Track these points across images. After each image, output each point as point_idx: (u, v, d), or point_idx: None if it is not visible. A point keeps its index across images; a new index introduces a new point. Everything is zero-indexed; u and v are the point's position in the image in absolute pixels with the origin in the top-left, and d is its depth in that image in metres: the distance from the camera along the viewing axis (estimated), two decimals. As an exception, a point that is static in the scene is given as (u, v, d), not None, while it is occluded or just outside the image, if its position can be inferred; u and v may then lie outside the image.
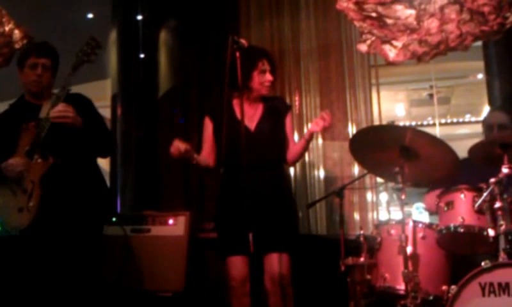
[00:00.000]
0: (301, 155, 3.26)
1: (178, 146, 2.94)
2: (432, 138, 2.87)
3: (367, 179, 4.35)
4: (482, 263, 2.45)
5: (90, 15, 7.17)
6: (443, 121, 9.80)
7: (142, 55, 5.59)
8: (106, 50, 6.08)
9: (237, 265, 3.00)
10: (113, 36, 5.85)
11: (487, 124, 3.42)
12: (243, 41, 2.84)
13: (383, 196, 4.85)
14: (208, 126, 3.19)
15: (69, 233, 2.99)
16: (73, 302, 2.96)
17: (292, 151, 3.19)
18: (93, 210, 3.16)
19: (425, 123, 9.75)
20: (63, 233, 2.98)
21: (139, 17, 5.64)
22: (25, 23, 4.87)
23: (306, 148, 3.20)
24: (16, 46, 4.87)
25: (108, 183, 4.34)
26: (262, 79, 3.09)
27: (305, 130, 4.72)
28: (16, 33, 4.82)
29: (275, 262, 2.95)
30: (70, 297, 2.94)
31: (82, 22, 7.18)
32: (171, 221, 3.91)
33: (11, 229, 3.00)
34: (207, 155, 3.18)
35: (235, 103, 3.07)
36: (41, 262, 2.94)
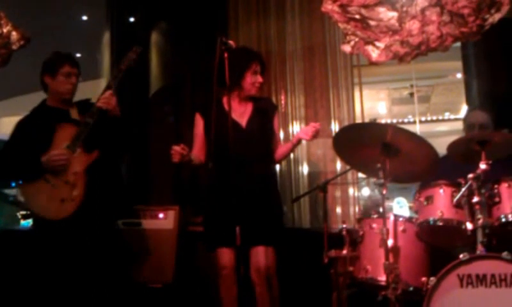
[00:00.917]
0: (286, 156, 3.32)
1: (179, 151, 2.90)
2: (413, 135, 2.83)
3: (350, 174, 4.33)
4: (461, 256, 2.43)
5: (84, 17, 7.13)
6: (423, 119, 9.84)
7: (134, 56, 5.55)
8: (100, 51, 6.04)
9: (226, 254, 2.98)
10: (106, 37, 5.82)
11: (468, 123, 3.39)
12: (231, 42, 2.83)
13: (365, 191, 4.82)
14: (199, 122, 3.18)
15: (105, 222, 3.17)
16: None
17: (278, 152, 3.23)
18: (117, 201, 3.38)
19: (405, 120, 9.77)
20: (101, 223, 3.12)
21: (132, 19, 5.61)
22: (21, 26, 4.82)
23: (292, 150, 3.25)
24: (14, 47, 4.83)
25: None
26: (254, 80, 3.10)
27: (290, 128, 4.71)
28: (14, 35, 4.79)
29: (261, 255, 2.94)
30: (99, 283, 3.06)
31: (77, 24, 7.14)
32: (161, 215, 3.89)
33: (52, 218, 2.98)
34: (198, 151, 3.16)
35: (225, 101, 3.04)
36: (81, 248, 3.01)
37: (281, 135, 4.56)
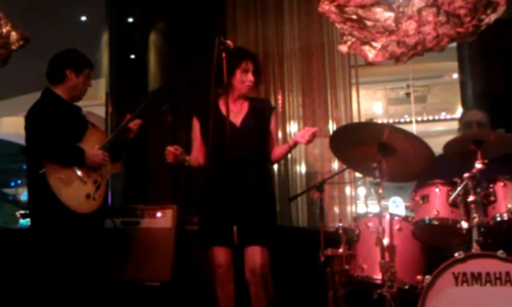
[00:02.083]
0: (282, 158, 3.33)
1: (172, 151, 2.91)
2: (409, 135, 2.83)
3: (346, 174, 4.34)
4: (456, 254, 2.43)
5: (83, 18, 7.13)
6: (419, 118, 9.84)
7: (133, 56, 5.57)
8: (99, 51, 6.04)
9: (221, 253, 2.98)
10: (105, 37, 5.82)
11: (466, 121, 3.36)
12: (229, 42, 2.83)
13: (361, 190, 4.82)
14: (196, 125, 3.18)
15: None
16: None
17: (275, 153, 3.21)
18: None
19: (402, 120, 9.78)
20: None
21: (130, 20, 5.61)
22: (21, 26, 4.82)
23: (288, 153, 3.26)
24: (13, 47, 4.83)
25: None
26: (244, 78, 3.07)
27: (288, 128, 4.71)
28: (13, 35, 4.80)
29: (255, 255, 2.93)
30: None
31: (76, 25, 7.14)
32: (159, 214, 3.89)
33: (74, 209, 3.04)
34: (196, 153, 3.16)
35: (222, 102, 3.04)
36: (90, 245, 3.12)
37: (279, 135, 4.57)
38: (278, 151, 3.21)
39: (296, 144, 3.10)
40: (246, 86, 3.08)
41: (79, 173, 3.09)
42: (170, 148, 2.90)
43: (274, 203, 3.22)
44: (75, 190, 3.05)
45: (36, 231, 3.18)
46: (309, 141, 2.99)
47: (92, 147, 3.16)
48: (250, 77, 3.08)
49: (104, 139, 3.28)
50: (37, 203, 3.13)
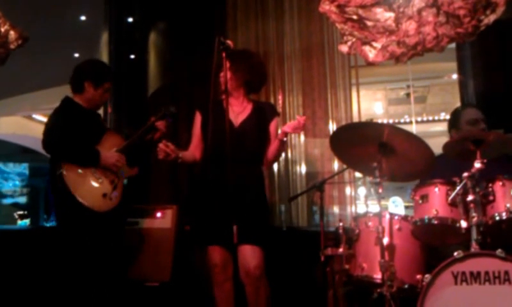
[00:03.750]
0: (278, 155, 3.23)
1: (162, 148, 2.93)
2: (409, 135, 2.85)
3: (346, 174, 4.36)
4: (455, 253, 2.45)
5: (83, 17, 7.14)
6: (419, 119, 9.87)
7: (133, 56, 5.58)
8: (98, 51, 6.05)
9: (218, 251, 3.00)
10: (105, 37, 5.83)
11: (470, 119, 3.31)
12: (229, 42, 2.85)
13: (361, 190, 4.85)
14: (198, 120, 3.21)
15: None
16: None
17: (268, 152, 3.17)
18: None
19: (402, 120, 9.81)
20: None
21: (130, 19, 5.62)
22: (20, 25, 4.84)
23: (280, 148, 3.14)
24: (12, 47, 4.83)
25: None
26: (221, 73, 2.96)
27: (288, 128, 4.71)
28: (12, 34, 4.80)
29: (248, 255, 2.93)
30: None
31: (76, 24, 7.15)
32: (159, 214, 3.91)
33: (89, 206, 3.15)
34: (194, 148, 3.19)
35: (224, 102, 3.03)
36: (101, 245, 3.23)
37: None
38: (270, 149, 3.15)
39: (285, 135, 3.03)
40: (223, 80, 2.95)
41: (96, 173, 3.23)
42: (161, 145, 2.94)
43: (266, 204, 3.20)
44: (92, 189, 3.19)
45: (57, 230, 3.34)
46: (295, 129, 2.95)
47: (109, 149, 3.30)
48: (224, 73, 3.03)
49: (120, 142, 3.40)
50: (57, 203, 3.27)
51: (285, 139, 3.06)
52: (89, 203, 3.14)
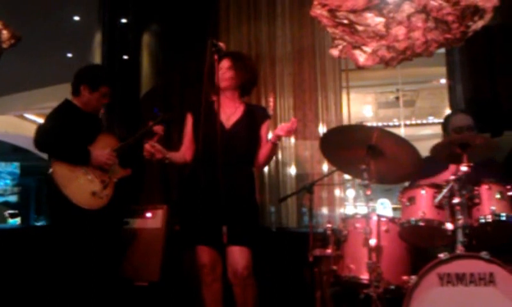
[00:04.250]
0: (269, 158, 3.22)
1: (148, 148, 2.95)
2: (397, 138, 2.88)
3: (336, 176, 4.37)
4: (441, 255, 2.47)
5: (76, 18, 7.11)
6: (408, 122, 9.93)
7: (126, 57, 5.57)
8: (92, 51, 6.03)
9: (207, 252, 3.00)
10: (98, 37, 5.80)
11: (455, 126, 3.34)
12: (221, 44, 2.85)
13: (350, 192, 4.87)
14: (189, 122, 3.21)
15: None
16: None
17: (260, 154, 3.16)
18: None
19: (391, 124, 9.86)
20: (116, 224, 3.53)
21: (124, 20, 5.61)
22: (13, 25, 4.81)
23: (273, 150, 3.15)
24: (4, 46, 4.80)
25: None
26: (220, 73, 2.96)
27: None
28: (4, 33, 4.76)
29: (236, 256, 2.93)
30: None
31: (69, 24, 7.12)
32: (149, 214, 3.90)
33: (78, 204, 3.16)
34: (185, 149, 3.19)
35: (215, 103, 3.02)
36: (92, 244, 3.21)
37: (270, 136, 4.59)
38: (262, 151, 3.15)
39: (277, 138, 3.04)
40: (221, 79, 3.00)
41: (87, 171, 3.25)
42: (147, 146, 2.96)
43: (256, 206, 3.19)
44: (81, 186, 3.20)
45: (48, 228, 3.38)
46: (288, 133, 2.97)
47: (102, 149, 3.31)
48: (226, 72, 3.09)
49: (114, 143, 3.41)
50: (48, 200, 3.28)
51: (277, 142, 3.08)
52: (78, 200, 3.15)
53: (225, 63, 3.11)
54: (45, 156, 3.35)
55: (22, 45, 4.83)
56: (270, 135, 3.15)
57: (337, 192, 4.48)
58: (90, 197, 3.21)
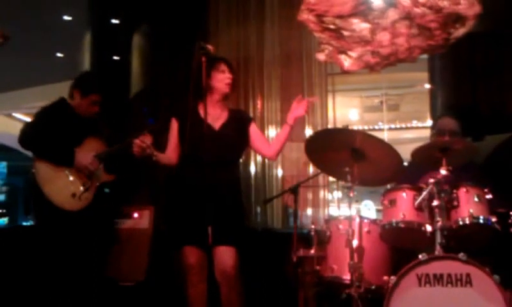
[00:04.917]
0: (285, 142, 3.20)
1: (138, 143, 2.92)
2: (380, 141, 2.93)
3: (321, 178, 4.40)
4: (420, 256, 2.50)
5: (67, 18, 7.08)
6: (392, 126, 10.02)
7: (116, 58, 5.56)
8: (82, 52, 6.02)
9: (193, 253, 2.98)
10: (88, 38, 5.80)
11: (438, 129, 3.40)
12: (210, 47, 2.84)
13: (335, 194, 4.92)
14: (174, 126, 3.19)
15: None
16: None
17: (273, 145, 3.20)
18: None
19: (376, 127, 9.93)
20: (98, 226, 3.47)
21: (114, 21, 5.60)
22: (3, 24, 4.78)
23: (290, 134, 3.16)
24: (-6, 45, 4.77)
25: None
26: (222, 76, 3.07)
27: (266, 132, 4.76)
28: (-7, 33, 4.73)
29: (223, 255, 2.93)
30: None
31: (60, 24, 7.09)
32: (136, 215, 3.90)
33: (58, 205, 3.20)
34: (171, 151, 3.17)
35: (201, 106, 3.04)
36: (72, 244, 3.22)
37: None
38: (278, 140, 3.19)
39: (295, 120, 3.07)
40: (225, 84, 3.08)
41: (68, 173, 3.27)
42: (137, 141, 2.93)
43: (243, 206, 3.21)
44: (61, 187, 3.23)
45: (34, 228, 3.40)
46: (306, 111, 3.08)
47: (87, 153, 3.33)
48: (228, 74, 3.10)
49: (100, 147, 3.42)
50: (31, 200, 3.32)
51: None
52: (56, 200, 3.19)
53: (225, 68, 3.11)
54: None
55: (11, 45, 4.80)
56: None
57: (322, 193, 4.52)
58: (69, 198, 3.23)
